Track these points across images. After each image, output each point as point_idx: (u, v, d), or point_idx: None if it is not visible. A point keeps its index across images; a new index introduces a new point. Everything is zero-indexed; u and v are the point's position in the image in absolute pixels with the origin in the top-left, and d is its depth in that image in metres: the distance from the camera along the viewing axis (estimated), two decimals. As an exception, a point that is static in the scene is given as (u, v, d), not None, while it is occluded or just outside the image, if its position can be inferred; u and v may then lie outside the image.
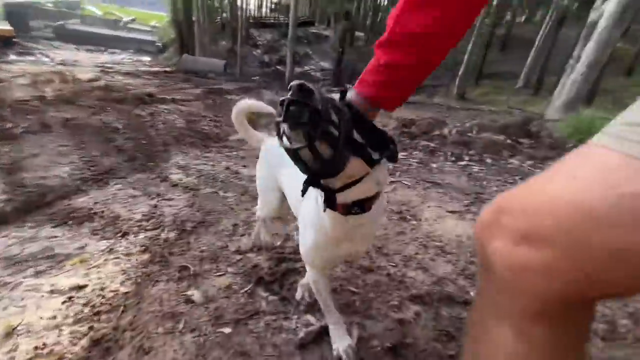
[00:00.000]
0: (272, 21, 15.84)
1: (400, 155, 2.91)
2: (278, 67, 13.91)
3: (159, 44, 15.57)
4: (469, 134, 2.99)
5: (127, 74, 8.15)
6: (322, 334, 1.02)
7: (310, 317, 1.06)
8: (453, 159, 2.74)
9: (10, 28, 11.71)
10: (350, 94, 0.64)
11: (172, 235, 1.63)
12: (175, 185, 2.35)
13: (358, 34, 17.24)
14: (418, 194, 2.11)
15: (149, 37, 17.58)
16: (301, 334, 1.00)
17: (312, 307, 1.12)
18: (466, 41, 8.73)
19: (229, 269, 1.27)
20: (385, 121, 4.02)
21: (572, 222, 0.36)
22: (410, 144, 3.15)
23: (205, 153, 3.27)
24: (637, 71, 9.03)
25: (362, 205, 0.65)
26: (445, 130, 3.16)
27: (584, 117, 3.28)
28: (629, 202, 0.32)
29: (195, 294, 1.13)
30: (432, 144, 3.00)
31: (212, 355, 0.90)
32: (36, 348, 0.99)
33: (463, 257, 1.45)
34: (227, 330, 0.99)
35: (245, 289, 1.15)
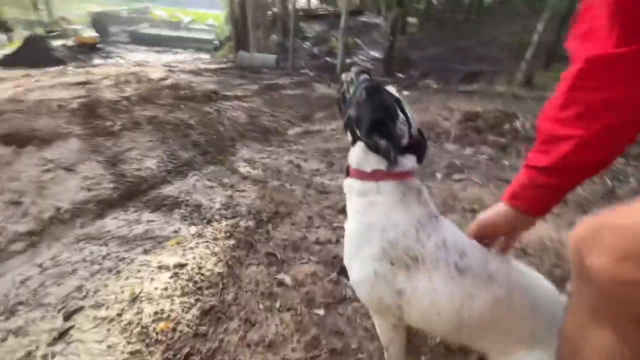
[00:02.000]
0: (322, 12, 15.81)
1: (467, 151, 2.82)
2: (327, 58, 13.90)
3: (216, 42, 16.57)
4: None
5: (190, 72, 8.82)
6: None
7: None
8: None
9: (96, 35, 13.47)
10: (499, 206, 0.69)
11: (251, 223, 1.79)
12: (245, 177, 2.55)
13: (410, 19, 16.48)
14: (490, 192, 2.02)
15: (206, 36, 18.80)
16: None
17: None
18: (535, 20, 7.85)
19: (312, 258, 1.36)
20: (446, 114, 3.84)
21: None
22: (478, 139, 2.99)
23: (267, 147, 3.46)
24: None
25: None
26: (517, 124, 2.93)
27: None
28: None
29: (286, 278, 1.24)
30: (502, 140, 2.81)
31: (311, 333, 1.00)
32: (157, 313, 1.19)
33: (547, 260, 1.38)
34: (320, 312, 1.08)
35: (330, 277, 1.23)
